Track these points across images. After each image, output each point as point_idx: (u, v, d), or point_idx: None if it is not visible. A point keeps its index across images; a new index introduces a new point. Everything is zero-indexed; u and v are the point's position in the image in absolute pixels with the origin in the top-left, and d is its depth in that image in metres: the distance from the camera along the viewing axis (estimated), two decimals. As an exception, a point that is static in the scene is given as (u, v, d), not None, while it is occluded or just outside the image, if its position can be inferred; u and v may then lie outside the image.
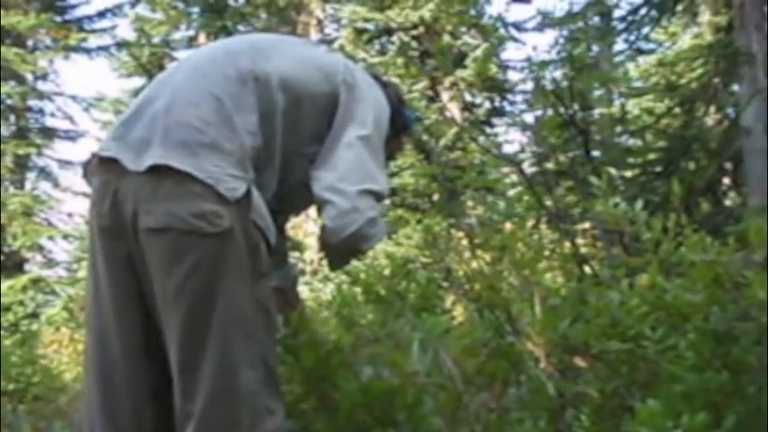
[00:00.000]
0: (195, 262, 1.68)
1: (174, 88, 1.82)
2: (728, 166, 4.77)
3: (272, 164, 1.84)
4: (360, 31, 15.37)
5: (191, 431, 1.70)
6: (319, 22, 17.46)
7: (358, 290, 2.56)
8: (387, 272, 2.72)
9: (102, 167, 1.80)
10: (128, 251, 1.74)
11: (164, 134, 1.73)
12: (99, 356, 1.82)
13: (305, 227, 14.40)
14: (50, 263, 17.64)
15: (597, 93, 5.94)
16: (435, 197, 13.94)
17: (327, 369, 2.00)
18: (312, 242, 14.74)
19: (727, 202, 5.39)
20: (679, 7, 5.80)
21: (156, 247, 1.70)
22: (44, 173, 18.15)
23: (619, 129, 5.40)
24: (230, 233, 1.69)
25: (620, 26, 5.64)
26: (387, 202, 14.44)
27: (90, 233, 1.84)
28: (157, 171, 1.70)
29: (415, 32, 14.34)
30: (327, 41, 16.43)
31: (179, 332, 1.70)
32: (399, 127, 2.13)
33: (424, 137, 13.33)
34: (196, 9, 17.56)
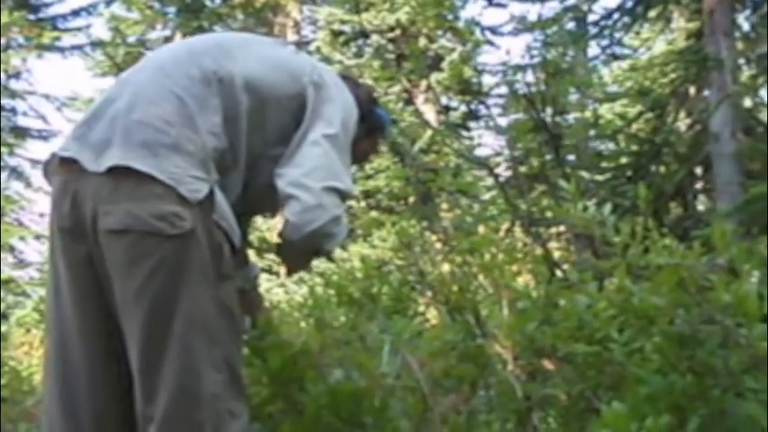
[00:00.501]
0: (156, 264, 1.66)
1: (135, 88, 1.80)
2: (699, 170, 4.83)
3: (237, 166, 1.82)
4: (336, 33, 15.35)
5: None
6: (296, 23, 17.42)
7: (331, 292, 2.55)
8: (360, 274, 2.71)
9: (62, 167, 1.78)
10: (88, 253, 1.72)
11: (124, 134, 1.71)
12: (60, 360, 1.79)
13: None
14: (21, 263, 17.45)
15: (572, 97, 5.98)
16: (411, 200, 13.96)
17: (294, 371, 1.98)
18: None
19: (700, 207, 5.46)
20: (652, 13, 5.85)
21: (115, 249, 1.68)
22: (16, 173, 17.93)
23: (592, 133, 5.44)
24: (192, 234, 1.67)
25: (594, 31, 5.69)
26: (362, 204, 14.44)
27: (50, 234, 1.81)
28: (117, 172, 1.68)
29: (391, 35, 14.35)
30: (304, 43, 16.41)
31: (140, 334, 1.68)
32: (372, 127, 2.14)
33: (399, 140, 13.35)
34: (172, 9, 17.46)
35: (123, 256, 1.67)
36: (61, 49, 17.98)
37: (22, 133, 17.96)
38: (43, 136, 17.84)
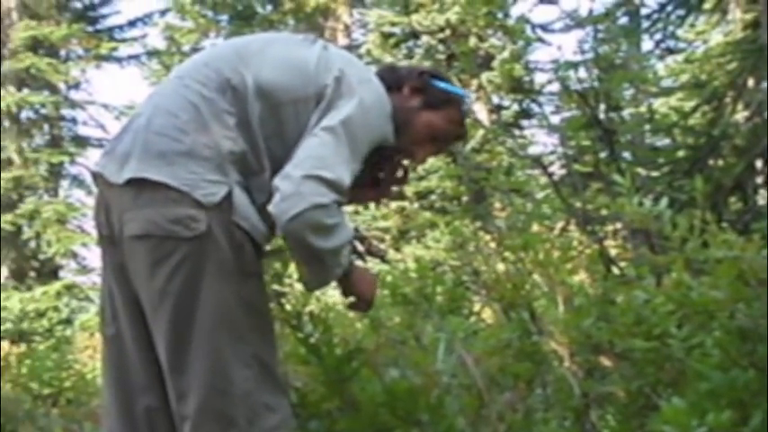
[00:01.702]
0: (175, 265, 1.72)
1: (157, 100, 1.89)
2: (758, 163, 4.70)
3: (263, 168, 1.82)
4: (387, 36, 15.39)
5: None
6: (346, 27, 17.53)
7: (385, 293, 2.57)
8: (414, 274, 2.72)
9: (96, 180, 1.89)
10: (121, 260, 1.81)
11: (143, 146, 1.79)
12: (114, 360, 1.88)
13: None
14: (84, 269, 17.88)
15: (626, 93, 5.88)
16: (464, 200, 13.91)
17: (350, 369, 2.00)
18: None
19: (760, 201, 5.32)
20: (707, 5, 5.73)
21: (138, 253, 1.76)
22: (77, 181, 18.42)
23: (647, 128, 5.35)
24: (209, 236, 1.72)
25: (647, 25, 5.59)
26: (415, 205, 14.44)
27: (98, 242, 1.92)
28: (137, 182, 1.76)
29: (441, 35, 14.32)
30: (354, 46, 16.49)
31: (166, 335, 1.74)
32: (432, 100, 2.03)
33: (452, 140, 13.29)
34: (225, 17, 17.72)
35: (145, 260, 1.75)
36: (118, 59, 18.44)
37: (82, 142, 18.45)
38: (103, 145, 18.27)
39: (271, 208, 1.74)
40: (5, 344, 8.32)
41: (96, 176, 1.87)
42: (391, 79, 2.02)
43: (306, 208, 1.72)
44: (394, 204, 14.72)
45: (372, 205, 14.81)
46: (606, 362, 1.96)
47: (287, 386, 1.94)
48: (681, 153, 4.74)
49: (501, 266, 2.68)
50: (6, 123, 17.42)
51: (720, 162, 4.41)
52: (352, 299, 2.00)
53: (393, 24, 15.29)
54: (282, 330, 2.14)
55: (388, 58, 14.32)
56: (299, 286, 2.17)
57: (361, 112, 1.84)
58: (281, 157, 1.81)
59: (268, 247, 1.92)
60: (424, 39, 14.55)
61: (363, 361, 2.05)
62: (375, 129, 1.88)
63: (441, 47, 14.28)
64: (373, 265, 12.05)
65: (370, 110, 1.87)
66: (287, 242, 1.79)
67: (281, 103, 1.84)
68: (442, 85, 2.07)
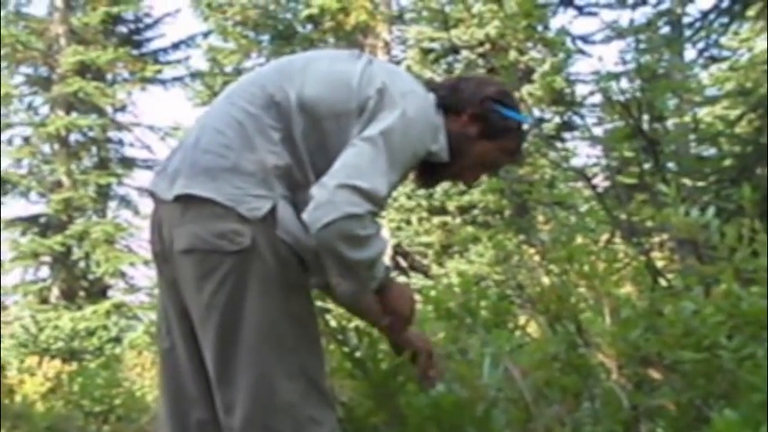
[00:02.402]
0: (221, 278, 1.75)
1: (206, 119, 1.93)
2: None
3: (309, 182, 1.82)
4: (426, 51, 15.45)
5: None
6: (386, 44, 17.62)
7: (429, 308, 2.57)
8: (458, 289, 2.71)
9: (150, 198, 1.94)
10: (173, 275, 1.85)
11: (191, 164, 1.83)
12: (170, 372, 1.92)
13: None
14: (132, 288, 18.20)
15: (670, 103, 5.81)
16: (506, 213, 13.84)
17: (396, 383, 2.00)
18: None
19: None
20: (751, 12, 5.65)
21: (186, 267, 1.80)
22: (124, 201, 18.80)
23: (692, 137, 5.28)
24: (253, 250, 1.74)
25: (689, 33, 5.52)
26: (457, 219, 14.40)
27: (153, 259, 1.97)
28: (184, 199, 1.80)
29: (481, 50, 14.33)
30: (394, 63, 16.55)
31: (213, 348, 1.77)
32: (490, 129, 1.99)
33: (494, 154, 13.24)
34: (266, 37, 17.95)
35: (192, 274, 1.78)
36: (163, 82, 18.81)
37: (129, 163, 18.82)
38: (149, 165, 18.65)
39: (304, 216, 1.73)
40: (58, 362, 8.49)
41: (150, 194, 1.93)
42: (452, 101, 1.98)
43: (338, 217, 1.69)
44: (436, 219, 14.71)
45: (415, 220, 14.81)
46: (655, 374, 1.93)
47: (334, 400, 1.94)
48: (727, 162, 4.66)
49: (545, 279, 2.67)
50: (56, 146, 17.84)
51: (768, 170, 4.34)
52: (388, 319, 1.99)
53: (432, 40, 15.36)
54: (328, 345, 2.15)
55: (428, 74, 14.36)
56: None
57: (403, 124, 1.81)
58: (325, 170, 1.81)
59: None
60: (464, 53, 14.56)
61: (409, 375, 2.05)
62: (417, 141, 1.86)
63: (480, 61, 14.28)
64: (416, 280, 12.03)
65: (413, 122, 1.84)
66: (320, 251, 1.77)
67: (323, 118, 1.85)
68: (503, 111, 2.01)
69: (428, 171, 2.01)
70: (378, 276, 1.85)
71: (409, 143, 1.83)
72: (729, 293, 1.79)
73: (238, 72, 17.07)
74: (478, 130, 1.99)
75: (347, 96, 1.86)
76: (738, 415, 1.49)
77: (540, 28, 14.74)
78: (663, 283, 2.83)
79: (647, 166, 4.05)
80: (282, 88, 1.87)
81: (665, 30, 6.26)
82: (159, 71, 18.59)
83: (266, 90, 1.88)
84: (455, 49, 14.70)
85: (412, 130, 1.84)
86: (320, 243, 1.73)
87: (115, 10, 18.05)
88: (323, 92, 1.87)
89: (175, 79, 18.80)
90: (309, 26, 17.82)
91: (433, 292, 2.61)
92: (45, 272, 17.93)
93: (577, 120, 14.96)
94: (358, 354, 2.06)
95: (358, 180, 1.73)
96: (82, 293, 17.71)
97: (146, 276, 17.78)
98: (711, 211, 1.89)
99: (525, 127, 2.12)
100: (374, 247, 1.78)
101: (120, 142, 19.00)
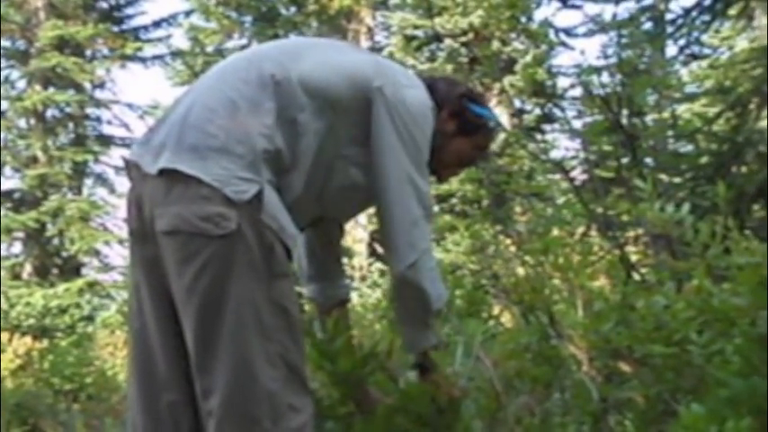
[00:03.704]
0: (203, 262, 1.71)
1: (196, 94, 1.88)
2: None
3: (298, 167, 1.83)
4: (409, 39, 15.40)
5: (212, 430, 1.73)
6: (369, 29, 17.55)
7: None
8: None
9: (129, 171, 1.88)
10: (153, 254, 1.80)
11: (177, 139, 1.78)
12: (140, 356, 1.88)
13: (354, 233, 14.46)
14: (106, 267, 18.03)
15: (650, 98, 5.84)
16: (484, 203, 13.89)
17: (364, 374, 2.00)
18: (361, 248, 14.80)
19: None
20: (732, 11, 5.68)
21: (169, 249, 1.76)
22: (101, 179, 18.60)
23: (670, 134, 5.31)
24: (238, 234, 1.71)
25: (672, 30, 5.55)
26: (435, 208, 14.41)
27: (128, 236, 1.92)
28: (169, 175, 1.75)
29: (464, 39, 14.31)
30: (377, 49, 16.50)
31: (194, 332, 1.74)
32: (466, 126, 2.08)
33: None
34: (248, 18, 17.80)
35: (174, 256, 1.75)
36: (143, 59, 18.58)
37: (106, 141, 18.61)
38: (126, 144, 18.42)
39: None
40: (28, 339, 8.41)
41: (130, 166, 1.86)
42: (433, 99, 2.01)
43: (421, 254, 1.89)
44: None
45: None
46: (625, 367, 1.95)
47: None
48: (704, 159, 4.70)
49: (520, 270, 2.68)
50: (32, 121, 17.61)
51: (744, 169, 4.37)
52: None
53: (416, 27, 15.30)
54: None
55: (410, 61, 14.33)
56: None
57: (419, 127, 1.92)
58: (330, 154, 1.86)
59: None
60: (447, 42, 14.54)
61: (378, 365, 2.05)
62: (426, 141, 1.94)
63: (463, 50, 14.27)
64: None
65: (424, 125, 1.93)
66: (401, 299, 1.95)
67: (328, 101, 1.85)
68: (477, 110, 2.09)
69: None
70: (435, 339, 1.98)
71: (425, 144, 1.94)
72: (701, 289, 1.81)
73: (219, 52, 16.94)
74: (455, 128, 2.06)
75: (349, 85, 1.88)
76: (705, 409, 1.52)
77: (523, 19, 14.79)
78: (636, 277, 2.85)
79: (624, 160, 4.07)
80: (285, 67, 1.85)
81: (648, 25, 6.29)
82: (139, 49, 18.37)
83: (264, 69, 1.84)
84: (438, 38, 14.67)
85: (423, 127, 1.93)
86: (405, 283, 1.90)
87: (96, -15, 17.82)
88: (327, 77, 1.87)
89: (156, 57, 18.59)
90: (293, 9, 17.69)
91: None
92: (18, 248, 17.75)
93: (558, 112, 15.02)
94: (325, 345, 2.05)
95: (424, 210, 1.91)
96: (55, 271, 17.54)
97: (120, 255, 17.63)
98: (686, 207, 1.91)
99: (493, 125, 2.22)
100: (442, 287, 1.96)
101: (98, 119, 18.79)
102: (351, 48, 2.02)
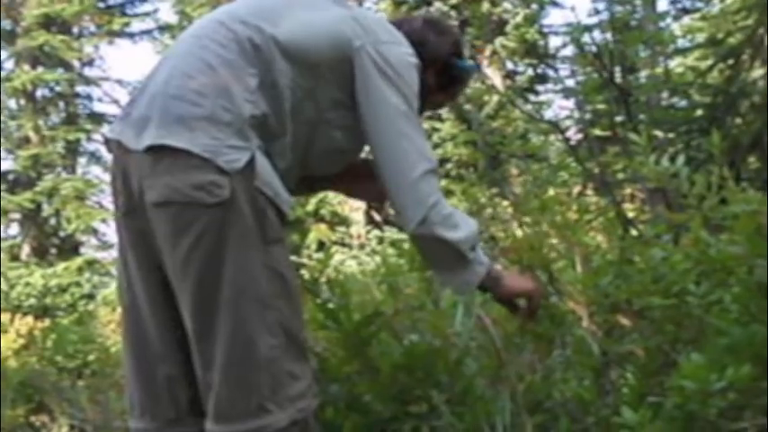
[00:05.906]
0: (199, 232, 1.69)
1: (173, 61, 1.83)
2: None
3: (284, 131, 1.80)
4: (399, 2, 15.27)
5: (212, 401, 1.73)
6: (358, -6, 17.38)
7: (403, 260, 2.57)
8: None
9: (112, 147, 1.83)
10: (142, 227, 1.77)
11: (161, 111, 1.74)
12: (133, 330, 1.86)
13: (351, 201, 14.46)
14: (104, 245, 18.07)
15: (642, 54, 5.80)
16: (479, 166, 13.88)
17: (368, 333, 2.01)
18: (359, 217, 14.81)
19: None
20: (724, -38, 5.62)
21: (160, 221, 1.72)
22: (94, 157, 18.56)
23: (664, 89, 5.28)
24: (232, 202, 1.69)
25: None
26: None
27: (114, 210, 1.88)
28: (156, 149, 1.71)
29: (453, 1, 14.19)
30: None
31: (191, 303, 1.72)
32: (452, 81, 2.09)
33: (466, 106, 13.25)
34: (235, -11, 17.61)
35: (168, 227, 1.71)
36: (131, 35, 18.46)
37: (98, 119, 18.53)
38: (118, 120, 18.33)
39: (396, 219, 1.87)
40: (30, 319, 8.45)
41: (111, 143, 1.82)
42: (420, 54, 1.97)
43: (429, 208, 1.84)
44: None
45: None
46: (625, 321, 1.96)
47: (309, 351, 1.95)
48: (698, 112, 4.68)
49: (518, 231, 2.68)
50: (22, 102, 17.51)
51: (738, 120, 4.36)
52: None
53: (405, -9, 15.17)
54: (303, 297, 2.15)
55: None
56: (316, 256, 2.18)
57: (407, 82, 1.88)
58: (313, 118, 1.82)
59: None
60: (437, 5, 14.41)
61: (381, 325, 2.06)
62: (415, 92, 1.91)
63: (453, 13, 14.15)
64: (390, 233, 12.08)
65: (409, 77, 1.90)
66: (424, 251, 1.94)
67: (308, 64, 1.81)
68: (463, 66, 2.10)
69: None
70: (485, 262, 1.94)
71: (413, 98, 1.90)
72: (698, 241, 1.81)
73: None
74: (438, 82, 2.05)
75: (331, 45, 1.84)
76: (705, 358, 1.53)
77: (513, -22, 14.66)
78: (633, 232, 2.85)
79: (619, 118, 4.06)
80: (261, 30, 1.80)
81: (639, -20, 6.22)
82: (127, 24, 18.23)
83: (242, 32, 1.79)
84: (428, 1, 14.55)
85: (411, 81, 1.90)
86: (422, 238, 1.87)
87: (80, -40, 17.60)
88: (308, 38, 1.82)
89: (143, 32, 18.49)
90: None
91: (406, 245, 2.62)
92: (15, 229, 17.75)
93: (551, 72, 14.95)
94: (330, 305, 2.06)
95: (427, 163, 1.86)
96: (53, 250, 17.57)
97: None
98: (681, 159, 1.90)
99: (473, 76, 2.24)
100: (466, 224, 1.90)
101: (89, 97, 18.71)
102: (326, 1, 1.94)
